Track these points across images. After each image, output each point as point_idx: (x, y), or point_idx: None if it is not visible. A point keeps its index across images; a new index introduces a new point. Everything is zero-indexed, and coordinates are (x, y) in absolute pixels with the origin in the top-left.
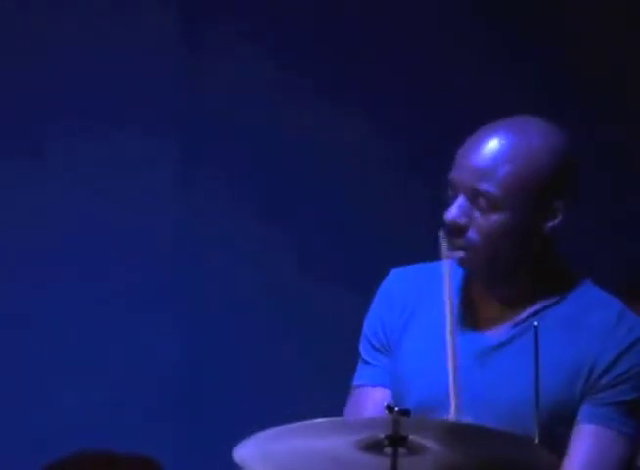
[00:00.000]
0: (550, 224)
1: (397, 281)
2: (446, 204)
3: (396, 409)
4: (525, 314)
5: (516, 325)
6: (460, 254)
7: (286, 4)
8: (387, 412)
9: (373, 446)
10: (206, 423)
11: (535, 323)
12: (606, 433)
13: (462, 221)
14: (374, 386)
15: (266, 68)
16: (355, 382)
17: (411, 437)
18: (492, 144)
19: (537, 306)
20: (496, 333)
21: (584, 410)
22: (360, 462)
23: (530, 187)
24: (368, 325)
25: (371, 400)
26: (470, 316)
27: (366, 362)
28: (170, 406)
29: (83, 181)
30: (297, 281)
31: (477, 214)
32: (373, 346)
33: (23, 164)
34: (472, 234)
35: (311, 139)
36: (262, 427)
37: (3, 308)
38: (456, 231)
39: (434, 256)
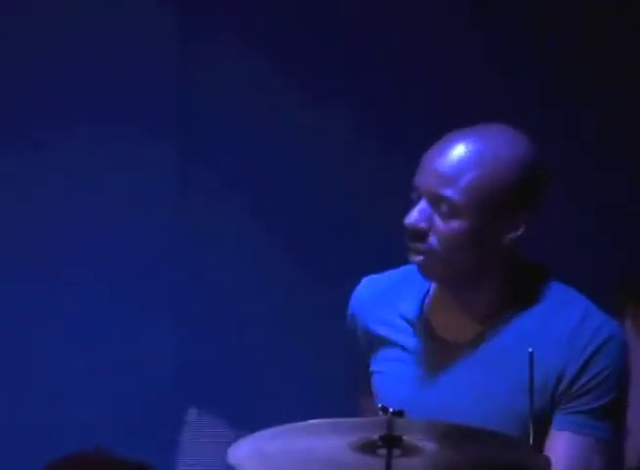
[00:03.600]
0: (512, 235)
1: (368, 289)
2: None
3: (390, 410)
4: (489, 324)
5: (481, 335)
6: (419, 258)
7: (285, 4)
8: (381, 413)
9: (367, 447)
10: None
11: (530, 350)
12: (581, 440)
13: (422, 226)
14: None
15: (266, 68)
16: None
17: (405, 438)
18: (459, 150)
19: (502, 315)
20: (461, 343)
21: (557, 418)
22: (354, 463)
23: (494, 196)
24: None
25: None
26: (436, 327)
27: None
28: (169, 406)
29: (83, 182)
30: (296, 281)
31: (437, 220)
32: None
33: (23, 165)
34: (432, 239)
35: (311, 140)
36: (257, 427)
37: (3, 309)
38: (416, 236)
39: None
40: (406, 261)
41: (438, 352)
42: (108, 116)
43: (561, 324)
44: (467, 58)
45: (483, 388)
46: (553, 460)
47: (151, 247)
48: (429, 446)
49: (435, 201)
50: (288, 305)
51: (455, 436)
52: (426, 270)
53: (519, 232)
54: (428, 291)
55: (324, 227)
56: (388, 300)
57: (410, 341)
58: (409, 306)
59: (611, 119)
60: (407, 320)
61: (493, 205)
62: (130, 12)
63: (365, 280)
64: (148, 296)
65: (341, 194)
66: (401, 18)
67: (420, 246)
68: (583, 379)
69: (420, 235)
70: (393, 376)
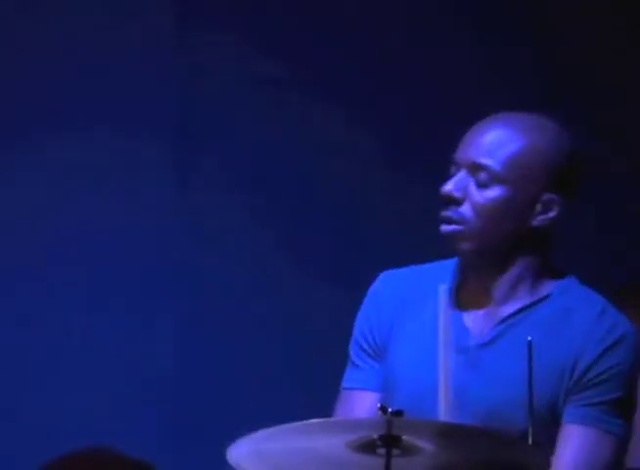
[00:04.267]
0: (543, 217)
1: (387, 284)
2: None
3: (390, 410)
4: (509, 311)
5: (499, 323)
6: (450, 227)
7: (285, 4)
8: (380, 413)
9: (366, 447)
10: (204, 423)
11: (529, 338)
12: (591, 433)
13: (457, 194)
14: (364, 389)
15: (266, 68)
16: (345, 385)
17: (404, 437)
18: (502, 125)
19: (522, 303)
20: (481, 332)
21: (569, 410)
22: (353, 463)
23: (532, 170)
24: (358, 328)
25: (362, 405)
26: (457, 315)
27: (356, 365)
28: (168, 406)
29: (83, 182)
30: (295, 281)
31: (474, 189)
32: (363, 349)
33: (23, 165)
34: (465, 208)
35: (311, 140)
36: (257, 427)
37: (3, 308)
38: (450, 203)
39: (431, 257)
40: (408, 262)
41: (458, 343)
42: (107, 115)
43: (582, 314)
44: (467, 58)
45: (501, 375)
46: (562, 453)
47: (150, 247)
48: (428, 445)
49: (474, 170)
50: (288, 304)
51: (454, 435)
52: (455, 241)
53: (550, 215)
54: (452, 284)
55: (324, 227)
56: (408, 294)
57: (431, 335)
58: (431, 300)
59: (611, 120)
60: (429, 314)
61: (531, 179)
62: (129, 12)
63: (384, 274)
64: (148, 296)
65: (341, 194)
66: (401, 18)
67: (452, 214)
68: (597, 370)
69: (454, 203)
70: (414, 369)
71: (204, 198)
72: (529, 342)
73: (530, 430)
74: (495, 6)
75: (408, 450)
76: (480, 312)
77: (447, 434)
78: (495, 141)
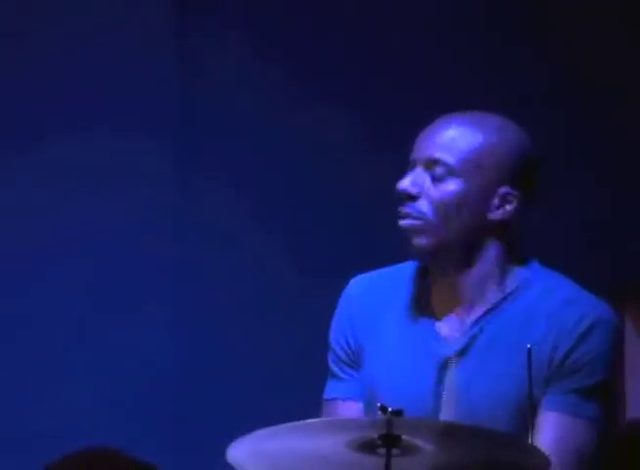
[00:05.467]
0: (501, 210)
1: (356, 289)
2: None
3: (390, 409)
4: (478, 312)
5: (472, 326)
6: (407, 221)
7: (285, 4)
8: (380, 412)
9: (366, 447)
10: (204, 423)
11: (528, 345)
12: (569, 419)
13: (413, 190)
14: (345, 400)
15: (266, 68)
16: (327, 396)
17: (404, 437)
18: (455, 123)
19: (490, 302)
20: (454, 339)
21: (547, 398)
22: (353, 462)
23: (487, 164)
24: (333, 338)
25: (348, 414)
26: (429, 323)
27: (336, 376)
28: (168, 406)
29: (82, 182)
30: (295, 281)
31: (429, 185)
32: (340, 359)
33: (23, 165)
34: (422, 203)
35: (311, 139)
36: (257, 427)
37: (3, 308)
38: (407, 200)
39: None
40: (405, 260)
41: (434, 345)
42: (107, 115)
43: (550, 305)
44: (467, 58)
45: (481, 379)
46: (541, 440)
47: (150, 247)
48: (428, 445)
49: (430, 165)
50: (288, 304)
51: (454, 435)
52: (413, 237)
53: (507, 208)
54: (423, 285)
55: (324, 227)
56: (380, 297)
57: (407, 333)
58: (405, 301)
59: (611, 120)
60: (404, 315)
61: (485, 172)
62: (129, 11)
63: (355, 280)
64: (148, 295)
65: (340, 194)
66: (401, 18)
67: (409, 210)
68: (572, 358)
69: (410, 199)
70: (395, 374)
71: (204, 198)
72: (529, 349)
73: (531, 430)
74: (495, 6)
75: (408, 450)
76: (452, 318)
77: (447, 434)
78: (450, 137)
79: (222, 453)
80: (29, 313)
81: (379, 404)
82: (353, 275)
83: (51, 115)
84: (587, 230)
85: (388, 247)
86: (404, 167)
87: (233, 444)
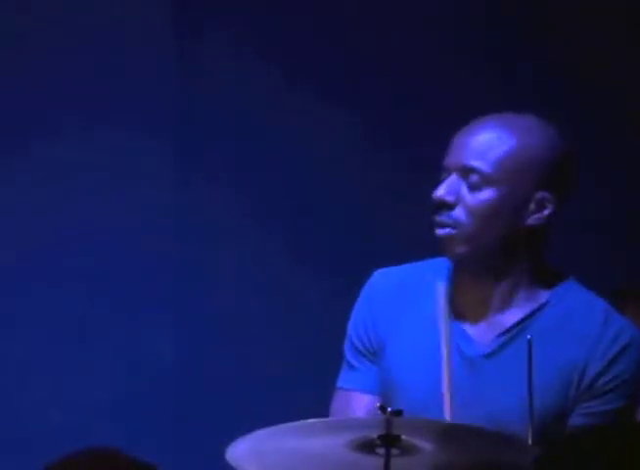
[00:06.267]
0: (537, 216)
1: (381, 283)
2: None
3: (389, 409)
4: (511, 321)
5: (503, 334)
6: (444, 231)
7: (285, 4)
8: (379, 412)
9: (365, 447)
10: (204, 423)
11: (528, 336)
12: None
13: (449, 198)
14: (361, 391)
15: (265, 68)
16: (342, 385)
17: (404, 437)
18: (490, 127)
19: (523, 312)
20: (484, 342)
21: (573, 420)
22: (353, 462)
23: (523, 170)
24: (352, 329)
25: (362, 407)
26: (458, 323)
27: (352, 366)
28: (168, 406)
29: (82, 182)
30: (295, 281)
31: (465, 193)
32: (358, 350)
33: (23, 165)
34: (458, 212)
35: (310, 139)
36: (257, 427)
37: (3, 308)
38: (443, 208)
39: (432, 256)
40: (406, 260)
41: (462, 353)
42: (107, 115)
43: (584, 321)
44: (467, 58)
45: (504, 385)
46: None
47: (150, 247)
48: (427, 445)
49: (465, 173)
50: (287, 303)
51: (454, 435)
52: (450, 245)
53: (544, 213)
54: (449, 291)
55: (324, 226)
56: (403, 292)
57: (430, 335)
58: (433, 299)
59: (611, 120)
60: (426, 314)
61: (521, 178)
62: (128, 11)
63: (379, 273)
64: (148, 295)
65: (340, 194)
66: (401, 18)
67: (446, 219)
68: (603, 380)
69: (447, 207)
70: (415, 371)
71: (203, 197)
72: (529, 340)
73: (530, 430)
74: (495, 6)
75: (407, 450)
76: (481, 321)
77: (447, 434)
78: (484, 143)
79: (222, 453)
80: (29, 313)
81: (378, 404)
82: (353, 275)
83: (51, 114)
84: (587, 230)
85: (388, 247)
86: (404, 166)
87: (233, 444)
